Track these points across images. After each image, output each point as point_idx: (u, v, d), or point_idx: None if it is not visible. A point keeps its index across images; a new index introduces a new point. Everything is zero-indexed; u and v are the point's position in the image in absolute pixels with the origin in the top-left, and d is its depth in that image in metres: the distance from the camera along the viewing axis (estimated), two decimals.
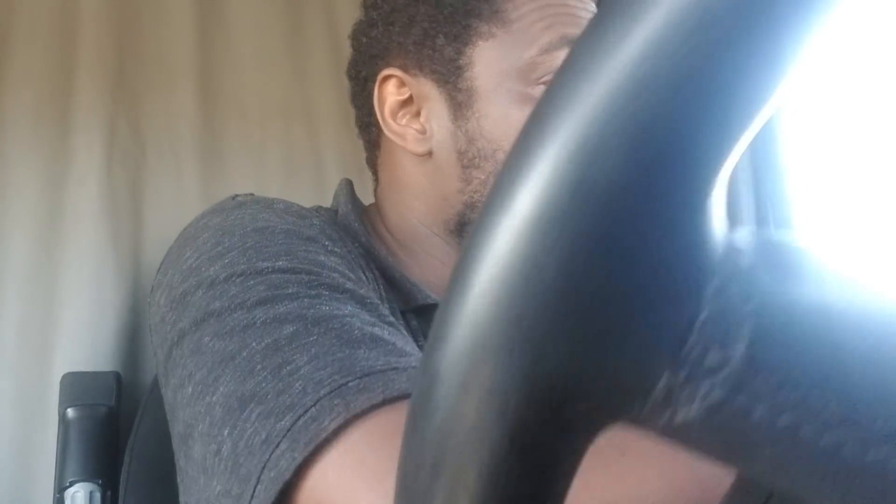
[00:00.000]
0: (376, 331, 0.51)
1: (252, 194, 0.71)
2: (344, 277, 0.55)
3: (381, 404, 0.45)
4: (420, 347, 0.61)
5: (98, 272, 1.04)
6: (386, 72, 0.69)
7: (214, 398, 0.49)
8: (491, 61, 0.66)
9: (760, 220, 1.14)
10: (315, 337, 0.49)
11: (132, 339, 1.05)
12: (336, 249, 0.59)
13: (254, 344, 0.50)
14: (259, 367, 0.48)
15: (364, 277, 0.61)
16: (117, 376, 1.00)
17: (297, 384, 0.46)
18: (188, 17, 1.17)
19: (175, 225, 1.12)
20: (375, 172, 0.76)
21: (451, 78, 0.67)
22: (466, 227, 0.67)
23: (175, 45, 1.16)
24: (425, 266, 0.71)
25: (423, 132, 0.68)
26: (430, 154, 0.68)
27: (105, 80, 1.10)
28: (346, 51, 1.34)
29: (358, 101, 0.75)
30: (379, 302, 0.57)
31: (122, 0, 1.13)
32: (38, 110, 1.05)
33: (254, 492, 0.45)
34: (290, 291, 0.52)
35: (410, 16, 0.68)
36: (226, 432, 0.48)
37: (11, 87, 1.04)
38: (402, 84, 0.69)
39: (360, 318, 0.52)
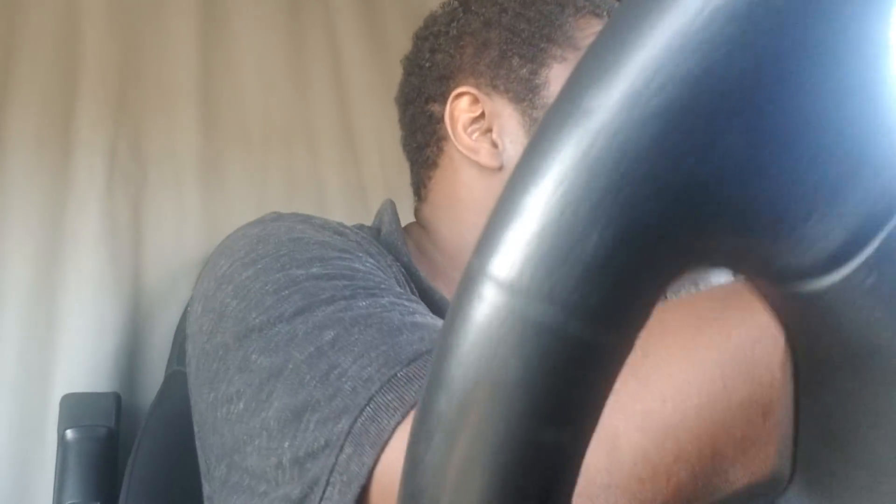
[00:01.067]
0: (417, 318, 0.51)
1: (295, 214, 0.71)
2: (379, 279, 0.55)
3: None
4: None
5: (98, 293, 1.04)
6: (460, 90, 0.72)
7: (269, 413, 0.50)
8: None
9: None
10: (356, 336, 0.49)
11: (132, 360, 1.05)
12: (372, 261, 0.59)
13: (298, 355, 0.50)
14: (308, 377, 0.49)
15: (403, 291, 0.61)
16: (117, 397, 0.99)
17: (346, 385, 0.47)
18: (190, 41, 1.18)
19: (175, 247, 1.13)
20: (423, 192, 0.78)
21: (527, 96, 0.70)
22: None
23: (176, 67, 1.17)
24: None
25: (495, 146, 0.70)
26: (500, 168, 0.71)
27: (106, 103, 1.10)
28: (348, 74, 1.37)
29: (415, 123, 0.77)
30: (418, 300, 0.57)
31: (124, 23, 1.14)
32: (40, 132, 1.06)
33: (324, 493, 0.46)
34: (325, 297, 0.52)
35: (485, 39, 0.72)
36: (286, 444, 0.48)
37: (13, 108, 1.04)
38: (475, 101, 0.72)
39: (398, 308, 0.52)
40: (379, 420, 0.45)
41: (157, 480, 0.88)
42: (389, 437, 0.45)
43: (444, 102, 0.73)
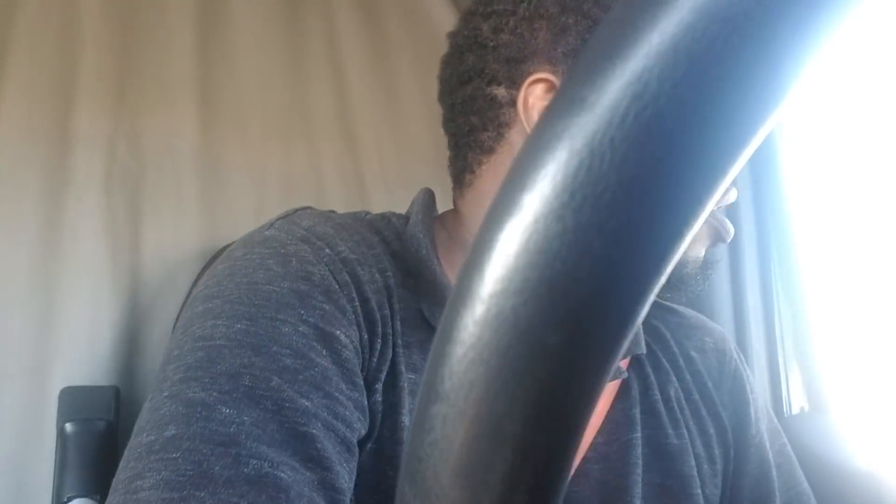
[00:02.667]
0: (265, 469, 0.49)
1: (310, 208, 0.70)
2: (293, 365, 0.54)
3: None
4: None
5: (97, 287, 1.04)
6: (537, 76, 0.68)
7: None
8: None
9: (759, 220, 1.14)
10: (177, 459, 0.48)
11: (131, 353, 1.05)
12: (325, 307, 0.57)
13: (143, 438, 0.50)
14: (132, 462, 0.49)
15: (374, 303, 0.61)
16: (116, 391, 0.99)
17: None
18: (188, 36, 1.18)
19: (173, 241, 1.13)
20: (469, 178, 0.73)
21: None
22: None
23: (175, 62, 1.17)
24: None
25: None
26: None
27: (105, 98, 1.10)
28: (346, 69, 1.37)
29: (472, 105, 0.72)
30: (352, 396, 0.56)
31: (122, 18, 1.14)
32: (38, 126, 1.05)
33: None
34: (198, 398, 0.50)
35: (563, 25, 0.69)
36: None
37: (11, 102, 1.04)
38: (551, 89, 0.68)
39: (269, 431, 0.50)
40: None
41: None
42: None
43: (511, 86, 0.69)
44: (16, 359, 0.98)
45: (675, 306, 0.86)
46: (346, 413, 0.54)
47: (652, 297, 0.19)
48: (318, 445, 0.51)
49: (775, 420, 0.85)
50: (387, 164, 1.32)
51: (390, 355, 0.60)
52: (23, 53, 1.06)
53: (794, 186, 1.10)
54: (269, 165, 1.22)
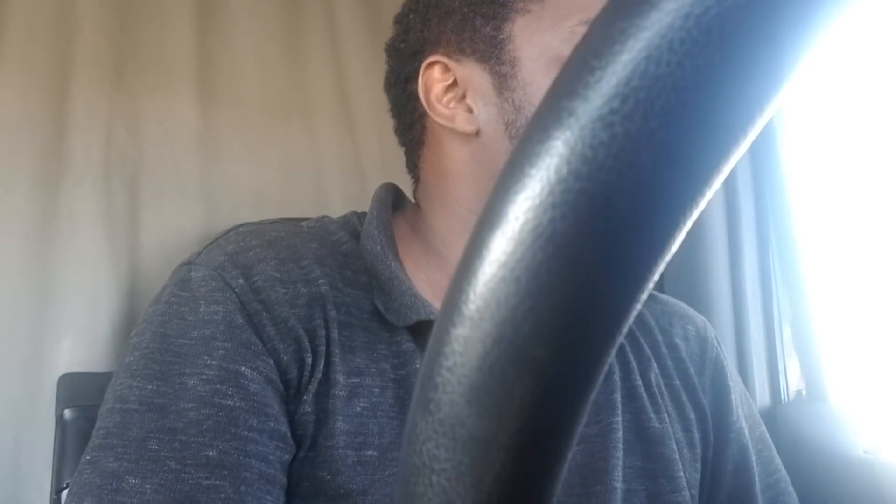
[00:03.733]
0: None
1: (246, 225, 0.72)
2: (190, 419, 0.58)
3: None
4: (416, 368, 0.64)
5: (95, 273, 1.04)
6: (429, 60, 0.72)
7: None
8: (530, 33, 0.69)
9: (760, 219, 1.14)
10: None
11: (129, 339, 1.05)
12: (227, 346, 0.60)
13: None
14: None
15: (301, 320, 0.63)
16: None
17: None
18: (187, 20, 1.17)
19: (172, 226, 1.13)
20: (417, 173, 0.78)
21: (493, 52, 0.70)
22: None
23: (173, 46, 1.16)
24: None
25: (470, 111, 0.70)
26: (477, 133, 0.70)
27: (102, 82, 1.09)
28: (346, 53, 1.36)
29: (399, 106, 0.77)
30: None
31: (120, 1, 1.13)
32: (35, 111, 1.05)
33: None
34: (104, 442, 0.57)
35: (447, 8, 0.72)
36: None
37: (7, 86, 1.03)
38: (446, 69, 0.71)
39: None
40: None
41: None
42: None
43: (419, 79, 0.72)
44: (14, 346, 0.98)
45: (658, 294, 0.88)
46: (259, 448, 0.58)
47: (694, 216, 0.18)
48: (223, 494, 0.55)
49: (755, 408, 0.87)
50: (385, 147, 1.31)
51: (322, 365, 0.62)
52: (19, 36, 1.05)
53: (793, 174, 1.10)
54: (268, 149, 1.22)
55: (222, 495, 0.55)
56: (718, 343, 0.85)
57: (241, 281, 0.63)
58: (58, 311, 1.01)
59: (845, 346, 1.07)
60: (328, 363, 0.62)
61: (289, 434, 0.60)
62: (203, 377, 0.58)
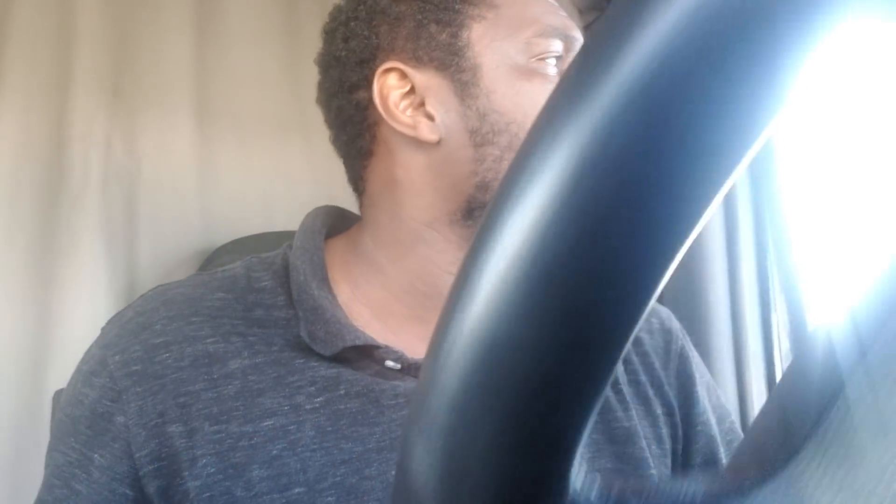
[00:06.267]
0: None
1: (160, 286, 0.72)
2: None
3: None
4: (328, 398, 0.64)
5: (92, 287, 1.04)
6: (384, 66, 0.69)
7: None
8: (489, 40, 0.68)
9: (758, 224, 1.14)
10: None
11: None
12: (88, 432, 0.62)
13: None
14: None
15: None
16: None
17: None
18: (184, 34, 1.18)
19: (171, 240, 1.13)
20: (361, 185, 0.75)
21: (452, 60, 0.68)
22: (476, 212, 0.68)
23: (171, 60, 1.16)
24: (411, 272, 0.71)
25: (431, 119, 0.69)
26: (439, 142, 0.69)
27: (101, 95, 1.10)
28: None
29: (343, 116, 0.74)
30: None
31: (118, 15, 1.13)
32: (34, 125, 1.05)
33: None
34: None
35: (397, 14, 0.70)
36: None
37: (6, 100, 1.03)
38: (402, 76, 0.69)
39: None
40: None
41: None
42: None
43: (368, 87, 0.70)
44: (9, 361, 0.98)
45: None
46: None
47: (694, 234, 0.19)
48: None
49: (723, 399, 0.86)
50: None
51: (208, 426, 0.62)
52: (19, 52, 1.05)
53: (791, 184, 1.10)
54: (266, 163, 1.22)
55: None
56: (684, 334, 0.84)
57: (116, 358, 0.63)
58: (55, 325, 1.01)
59: None
60: (218, 421, 0.61)
61: None
62: (67, 458, 0.62)
